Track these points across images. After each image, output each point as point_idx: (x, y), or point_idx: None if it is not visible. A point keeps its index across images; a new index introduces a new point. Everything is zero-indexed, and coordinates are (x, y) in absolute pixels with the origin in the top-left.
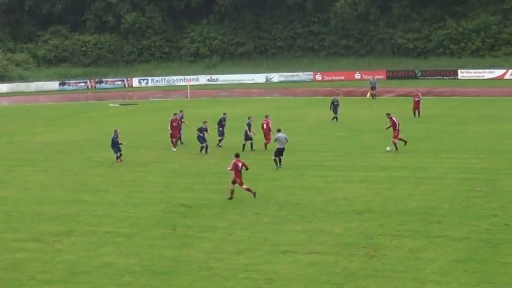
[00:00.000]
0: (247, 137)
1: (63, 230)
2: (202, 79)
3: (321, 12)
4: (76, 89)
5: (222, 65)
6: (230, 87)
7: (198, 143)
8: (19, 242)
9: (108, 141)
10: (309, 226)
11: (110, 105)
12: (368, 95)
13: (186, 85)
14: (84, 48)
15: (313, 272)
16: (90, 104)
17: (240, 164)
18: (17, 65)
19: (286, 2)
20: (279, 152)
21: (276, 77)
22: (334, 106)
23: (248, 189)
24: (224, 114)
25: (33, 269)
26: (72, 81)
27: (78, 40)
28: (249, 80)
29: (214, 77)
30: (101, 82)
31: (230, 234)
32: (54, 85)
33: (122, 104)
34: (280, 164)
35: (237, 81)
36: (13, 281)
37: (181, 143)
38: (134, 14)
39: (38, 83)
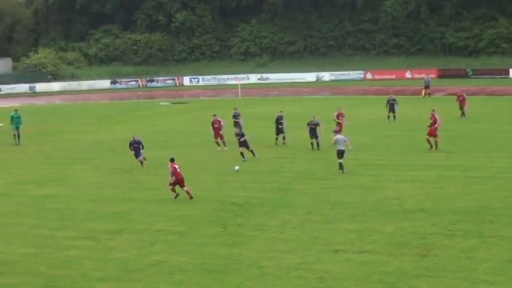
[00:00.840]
0: (314, 136)
1: (115, 228)
2: (253, 78)
3: (371, 11)
4: (127, 88)
5: (272, 64)
6: (281, 86)
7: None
8: (71, 240)
9: (160, 140)
10: (360, 225)
11: (161, 103)
12: (423, 93)
13: (237, 84)
14: (135, 47)
15: (364, 271)
16: (142, 102)
17: (177, 167)
18: (68, 63)
19: (336, 1)
20: (341, 154)
21: (326, 76)
22: (391, 105)
23: (187, 192)
24: (281, 112)
25: (85, 267)
26: (123, 80)
27: (129, 39)
28: (300, 78)
29: (264, 75)
30: (152, 81)
31: (281, 233)
32: (105, 84)
33: (173, 103)
34: (341, 169)
35: (288, 80)
36: (66, 279)
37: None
38: (184, 12)
39: (90, 81)
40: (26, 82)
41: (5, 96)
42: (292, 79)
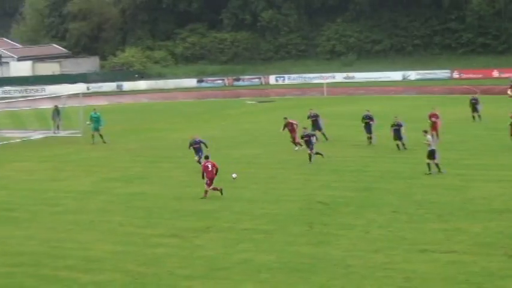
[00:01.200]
0: (398, 137)
1: (201, 226)
2: (339, 77)
3: (457, 9)
4: (213, 86)
5: (358, 63)
6: (367, 85)
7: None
8: (158, 238)
9: (246, 138)
10: (446, 225)
11: (247, 102)
12: (509, 93)
13: (323, 83)
14: (221, 46)
15: (451, 271)
16: (228, 101)
17: (209, 165)
18: (155, 62)
19: (423, 0)
20: (432, 154)
21: (412, 75)
22: (473, 104)
23: (215, 189)
24: (367, 111)
25: (172, 264)
26: (209, 79)
27: (215, 38)
28: (386, 77)
29: (350, 74)
30: (238, 79)
31: (367, 232)
32: (191, 82)
33: (259, 102)
34: (439, 170)
35: (374, 79)
36: (153, 276)
37: (326, 139)
38: (270, 11)
39: (176, 80)
40: (113, 81)
41: (93, 95)
42: (378, 78)
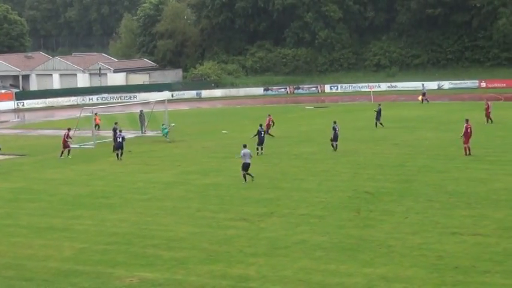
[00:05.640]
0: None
1: (265, 212)
2: (383, 86)
3: (485, 30)
4: (277, 94)
5: (400, 74)
6: (407, 93)
7: None
8: (229, 221)
9: (305, 137)
10: (473, 212)
11: (306, 107)
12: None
13: (370, 91)
14: (284, 60)
15: (477, 251)
16: (289, 106)
17: None
18: (228, 73)
19: (455, 21)
20: (247, 167)
21: (446, 85)
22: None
23: None
24: (334, 123)
25: (241, 244)
26: (274, 87)
27: (280, 53)
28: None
29: (393, 84)
30: (298, 88)
31: (406, 218)
32: (259, 91)
33: (315, 107)
34: (252, 178)
35: (413, 88)
36: (225, 253)
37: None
38: (326, 31)
39: (246, 88)
40: (193, 89)
41: (176, 101)
42: (416, 87)
